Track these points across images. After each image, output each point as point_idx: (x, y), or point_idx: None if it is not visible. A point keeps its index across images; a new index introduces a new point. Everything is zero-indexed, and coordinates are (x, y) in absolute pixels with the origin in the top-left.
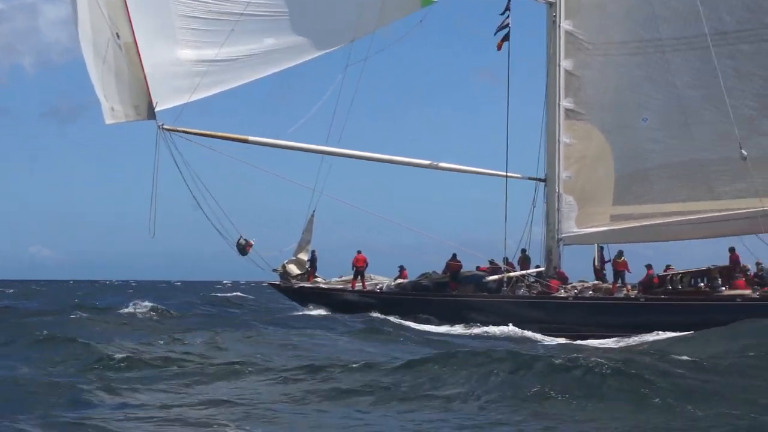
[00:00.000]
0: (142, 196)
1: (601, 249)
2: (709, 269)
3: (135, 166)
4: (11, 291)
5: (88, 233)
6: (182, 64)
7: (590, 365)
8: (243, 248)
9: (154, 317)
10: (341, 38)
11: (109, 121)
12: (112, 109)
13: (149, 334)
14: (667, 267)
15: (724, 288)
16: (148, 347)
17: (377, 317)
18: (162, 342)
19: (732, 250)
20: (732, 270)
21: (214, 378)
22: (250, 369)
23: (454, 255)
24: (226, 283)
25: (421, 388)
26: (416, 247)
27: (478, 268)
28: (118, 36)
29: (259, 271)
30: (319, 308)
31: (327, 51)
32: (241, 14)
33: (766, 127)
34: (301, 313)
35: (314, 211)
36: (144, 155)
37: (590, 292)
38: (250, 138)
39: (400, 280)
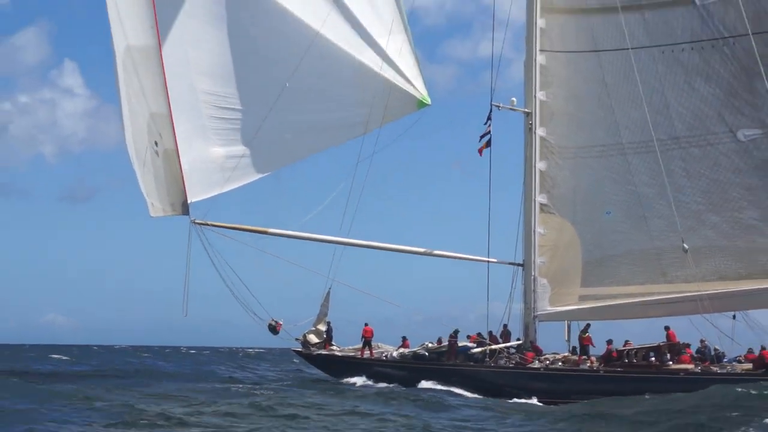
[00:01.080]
0: (156, 267)
1: (569, 325)
2: (659, 345)
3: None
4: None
5: (104, 300)
6: (214, 161)
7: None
8: (274, 329)
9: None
10: (350, 134)
11: (152, 214)
12: (153, 204)
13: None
14: (626, 342)
15: (671, 362)
16: None
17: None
18: None
19: (667, 328)
20: (677, 346)
21: None
22: None
23: (456, 331)
24: (250, 351)
25: None
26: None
27: (468, 337)
28: (156, 144)
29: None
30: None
31: (337, 145)
32: (266, 116)
33: (711, 221)
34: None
35: (330, 287)
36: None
37: (560, 363)
38: (270, 230)
39: (402, 350)
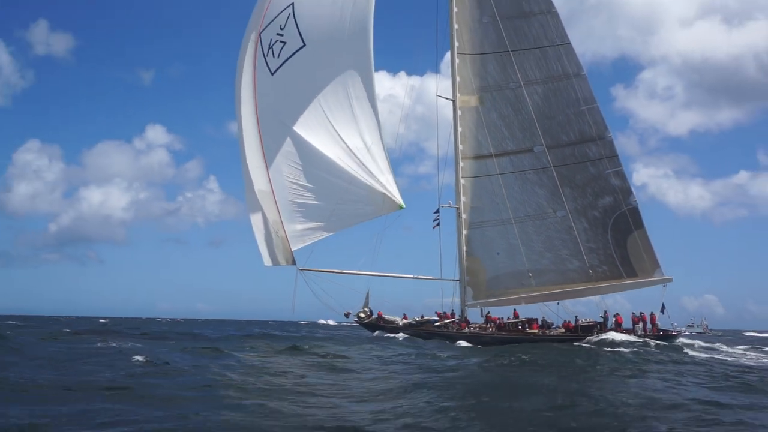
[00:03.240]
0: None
1: (481, 309)
2: (523, 320)
3: None
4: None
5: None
6: (300, 233)
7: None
8: (346, 315)
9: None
10: (364, 219)
11: (267, 263)
12: (271, 259)
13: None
14: (514, 312)
15: (527, 328)
16: None
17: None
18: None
19: (514, 310)
20: (531, 320)
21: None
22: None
23: (453, 312)
24: (322, 322)
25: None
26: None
27: (436, 313)
28: (273, 234)
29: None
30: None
31: (359, 223)
32: (333, 211)
33: (546, 256)
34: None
35: (368, 290)
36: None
37: (477, 329)
38: (336, 270)
39: (404, 320)
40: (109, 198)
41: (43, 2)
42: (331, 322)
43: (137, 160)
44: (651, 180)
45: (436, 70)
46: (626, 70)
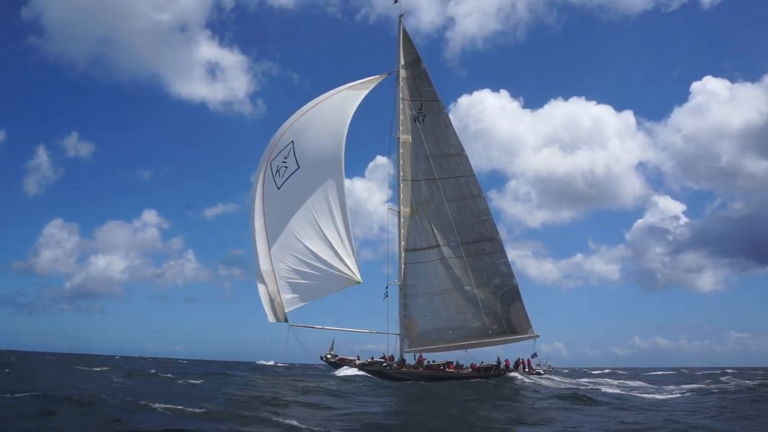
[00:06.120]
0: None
1: (414, 354)
2: (444, 363)
3: None
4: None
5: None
6: (291, 299)
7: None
8: (321, 357)
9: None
10: (332, 290)
11: (270, 320)
12: (272, 316)
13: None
14: (433, 361)
15: (447, 368)
16: None
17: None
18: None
19: (420, 355)
20: (450, 362)
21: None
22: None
23: (392, 356)
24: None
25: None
26: (357, 350)
27: (382, 356)
28: (273, 300)
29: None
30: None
31: (328, 294)
32: (313, 286)
33: (457, 320)
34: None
35: (333, 340)
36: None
37: (411, 368)
38: (316, 326)
39: (358, 361)
40: (111, 263)
41: (76, 120)
42: (271, 363)
43: (134, 235)
44: (517, 259)
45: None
46: (498, 179)
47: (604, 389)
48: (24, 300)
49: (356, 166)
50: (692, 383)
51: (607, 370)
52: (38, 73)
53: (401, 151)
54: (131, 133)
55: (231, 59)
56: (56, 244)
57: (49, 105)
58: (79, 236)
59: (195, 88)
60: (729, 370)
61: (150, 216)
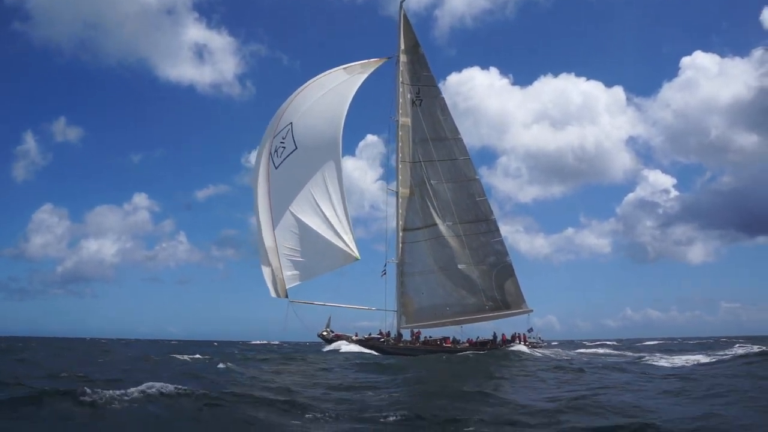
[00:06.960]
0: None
1: (411, 330)
2: (441, 338)
3: None
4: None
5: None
6: (292, 276)
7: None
8: (320, 335)
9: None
10: (332, 268)
11: (272, 295)
12: (274, 292)
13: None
14: (429, 336)
15: (444, 344)
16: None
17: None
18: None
19: (418, 331)
20: (446, 337)
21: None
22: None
23: (389, 332)
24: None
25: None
26: (354, 326)
27: (379, 332)
28: (276, 276)
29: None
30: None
31: (328, 272)
32: (313, 263)
33: (454, 296)
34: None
35: (330, 316)
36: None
37: (408, 343)
38: (316, 302)
39: (355, 337)
40: (102, 247)
41: (64, 104)
42: (265, 342)
43: (125, 219)
44: (509, 234)
45: (387, 168)
46: (488, 156)
47: (659, 362)
48: (16, 285)
49: (346, 145)
50: (721, 351)
51: (598, 343)
52: (24, 58)
53: (400, 133)
54: (120, 117)
55: (219, 41)
56: (47, 229)
57: (36, 90)
58: (70, 221)
59: (183, 70)
60: (740, 340)
61: (140, 199)
